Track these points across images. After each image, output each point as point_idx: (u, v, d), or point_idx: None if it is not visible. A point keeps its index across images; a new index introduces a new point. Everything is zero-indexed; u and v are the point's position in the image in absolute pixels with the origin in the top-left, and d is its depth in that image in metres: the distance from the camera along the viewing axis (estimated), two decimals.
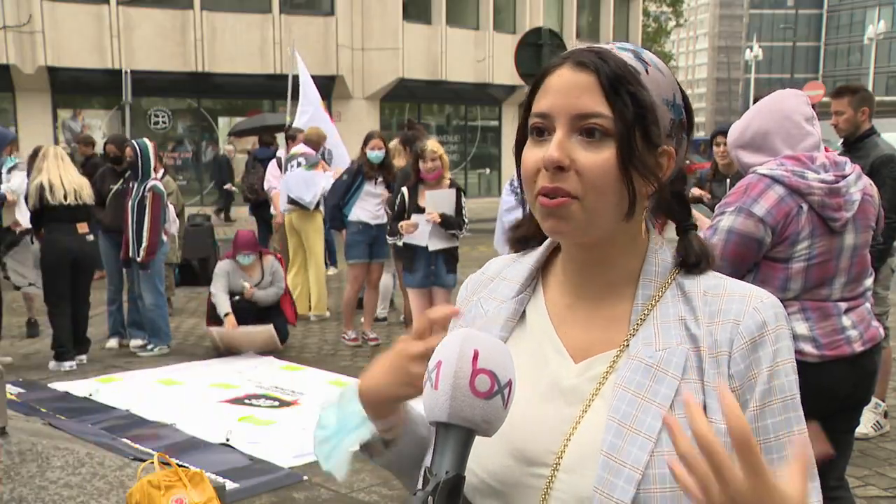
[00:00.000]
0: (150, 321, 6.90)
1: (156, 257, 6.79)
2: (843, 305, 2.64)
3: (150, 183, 6.74)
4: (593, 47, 1.01)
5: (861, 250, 2.66)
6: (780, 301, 1.03)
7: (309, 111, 9.69)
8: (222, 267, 6.95)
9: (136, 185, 6.75)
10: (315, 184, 7.81)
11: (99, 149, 13.64)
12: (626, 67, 0.98)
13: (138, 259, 6.68)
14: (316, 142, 8.08)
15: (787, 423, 0.98)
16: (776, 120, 2.65)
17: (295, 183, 7.92)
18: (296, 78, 10.15)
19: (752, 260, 2.60)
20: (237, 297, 6.89)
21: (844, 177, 2.60)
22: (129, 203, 6.72)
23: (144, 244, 6.64)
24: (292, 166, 8.07)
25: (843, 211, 2.57)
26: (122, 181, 7.05)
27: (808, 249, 2.56)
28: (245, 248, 6.85)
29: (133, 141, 7.02)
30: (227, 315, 6.72)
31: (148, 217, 6.64)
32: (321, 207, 7.99)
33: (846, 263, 2.62)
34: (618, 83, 0.97)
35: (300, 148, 8.21)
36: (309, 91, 9.79)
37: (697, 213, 3.08)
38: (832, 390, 2.62)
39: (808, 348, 2.57)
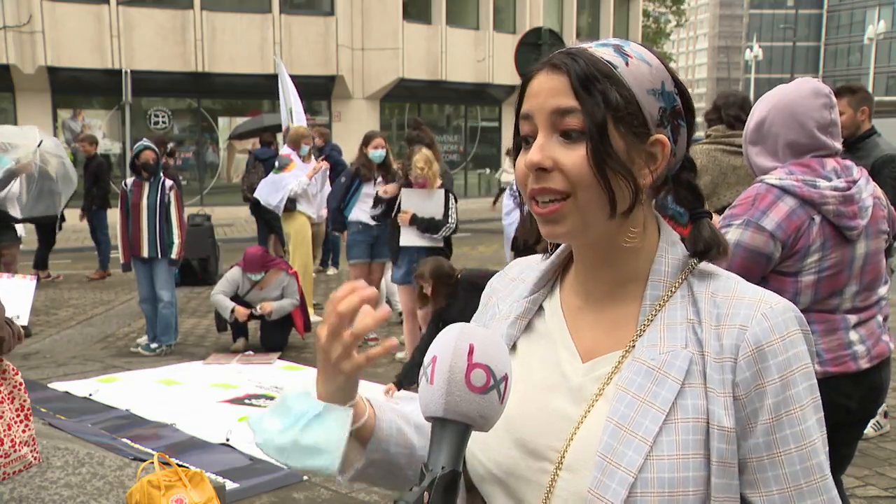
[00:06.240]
0: (165, 318, 6.99)
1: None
2: (853, 319, 2.50)
3: (168, 182, 6.87)
4: (570, 48, 1.02)
5: (874, 257, 2.51)
6: None
7: (300, 111, 9.99)
8: (232, 274, 6.98)
9: (149, 186, 6.80)
10: (282, 187, 7.88)
11: (101, 149, 13.69)
12: (599, 64, 0.98)
13: (173, 256, 6.84)
14: (295, 141, 8.14)
15: (808, 431, 0.97)
16: (788, 124, 2.45)
17: (265, 187, 8.07)
18: (282, 82, 10.31)
19: (759, 274, 2.42)
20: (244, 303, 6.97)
21: (855, 182, 2.44)
22: (145, 202, 6.76)
23: (178, 241, 6.81)
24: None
25: (859, 219, 2.43)
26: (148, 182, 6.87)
27: (819, 262, 2.41)
28: (252, 269, 6.88)
29: (145, 141, 7.07)
30: (233, 310, 6.79)
31: (176, 215, 6.82)
32: (303, 208, 8.04)
33: (858, 272, 2.48)
34: (587, 81, 0.97)
35: (284, 150, 8.33)
36: (295, 91, 10.05)
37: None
38: (834, 406, 2.53)
39: None
